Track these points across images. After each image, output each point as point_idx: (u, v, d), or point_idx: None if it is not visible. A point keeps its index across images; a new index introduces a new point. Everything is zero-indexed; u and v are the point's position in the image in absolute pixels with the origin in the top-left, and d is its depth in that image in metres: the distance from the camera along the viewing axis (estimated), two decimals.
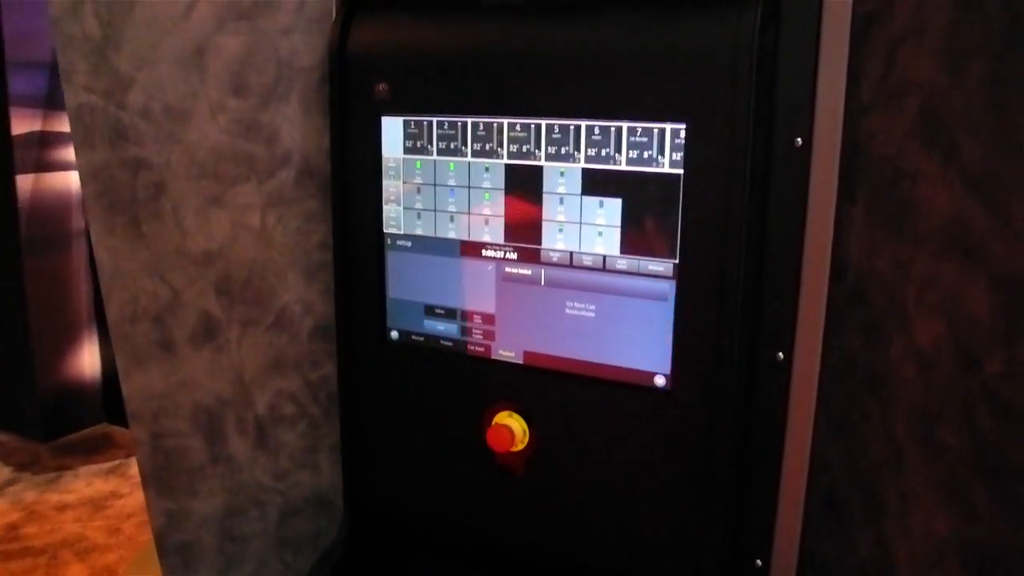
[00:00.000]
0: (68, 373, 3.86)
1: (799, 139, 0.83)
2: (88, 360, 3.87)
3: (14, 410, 3.87)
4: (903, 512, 0.78)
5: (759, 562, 0.94)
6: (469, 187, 0.93)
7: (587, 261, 0.88)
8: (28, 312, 3.73)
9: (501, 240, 0.92)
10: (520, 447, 0.94)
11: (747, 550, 0.95)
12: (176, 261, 1.10)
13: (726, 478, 0.88)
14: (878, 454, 0.81)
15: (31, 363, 3.72)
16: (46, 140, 3.57)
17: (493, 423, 0.94)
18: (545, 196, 0.89)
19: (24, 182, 3.49)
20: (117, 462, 3.73)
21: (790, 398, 0.89)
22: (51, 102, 3.72)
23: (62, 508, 3.15)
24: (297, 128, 1.09)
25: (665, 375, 0.86)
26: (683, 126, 0.80)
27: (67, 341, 3.89)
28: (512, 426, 0.93)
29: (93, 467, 3.50)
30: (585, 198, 0.86)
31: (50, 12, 0.99)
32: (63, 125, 3.55)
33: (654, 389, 0.87)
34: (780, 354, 0.88)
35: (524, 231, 0.91)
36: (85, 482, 3.36)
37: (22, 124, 3.54)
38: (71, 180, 3.81)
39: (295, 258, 1.14)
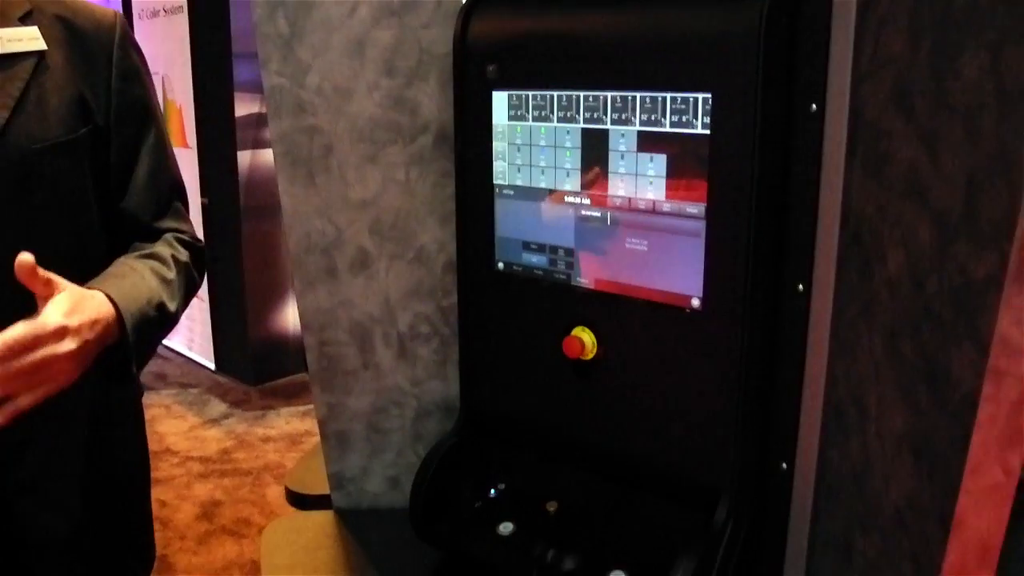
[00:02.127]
0: (274, 327, 4.45)
1: (814, 105, 1.02)
2: (291, 316, 4.44)
3: (231, 357, 4.52)
4: (879, 417, 0.96)
5: (784, 465, 1.14)
6: (555, 147, 1.19)
7: (641, 205, 1.11)
8: (244, 273, 4.33)
9: (578, 188, 1.17)
10: (590, 355, 1.19)
11: (774, 454, 1.15)
12: (340, 206, 1.43)
13: (752, 388, 1.09)
14: (864, 368, 0.99)
15: (245, 317, 4.33)
16: (262, 121, 4.14)
17: (570, 335, 1.20)
18: (610, 153, 1.13)
19: (243, 157, 4.08)
20: (311, 406, 4.31)
21: (809, 323, 1.08)
22: None
23: (265, 440, 3.71)
24: (434, 102, 1.39)
25: (699, 298, 1.08)
26: (709, 95, 1.02)
27: (275, 299, 4.47)
28: (583, 338, 1.18)
29: (292, 409, 4.05)
30: (639, 154, 1.10)
31: (253, 16, 1.34)
32: None
33: (691, 309, 1.09)
34: (800, 286, 1.08)
35: (595, 181, 1.15)
36: (285, 420, 3.92)
37: (243, 107, 4.12)
38: None
39: (432, 206, 1.44)
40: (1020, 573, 1.01)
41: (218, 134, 4.18)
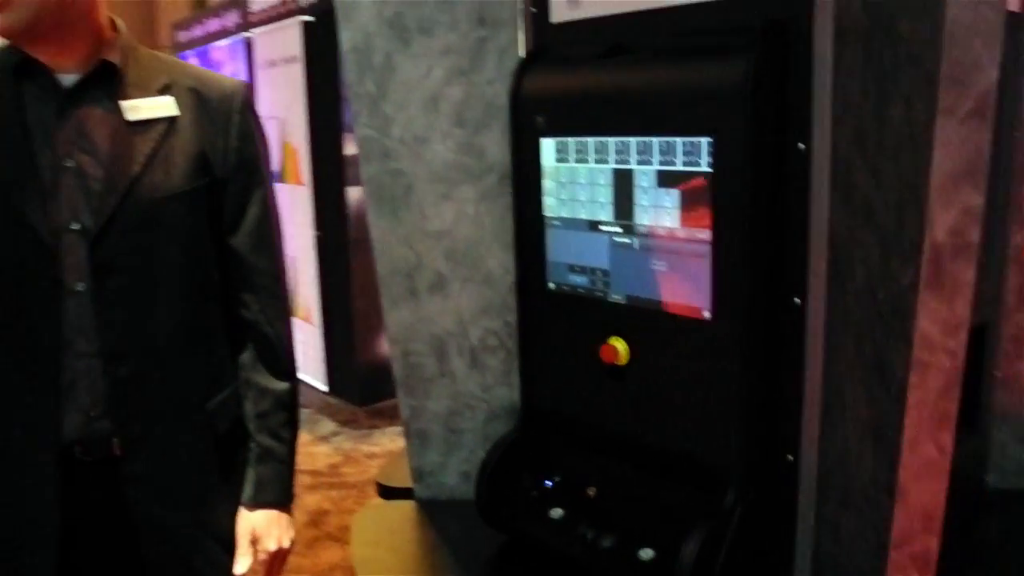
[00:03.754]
0: (381, 352, 4.78)
1: (801, 144, 1.23)
2: None
3: (341, 380, 4.88)
4: (852, 407, 1.16)
5: (791, 457, 1.33)
6: (591, 184, 1.43)
7: (661, 232, 1.34)
8: (353, 301, 4.69)
9: (611, 219, 1.41)
10: (623, 361, 1.42)
11: (781, 448, 1.34)
12: (420, 236, 1.71)
13: (755, 387, 1.29)
14: (842, 368, 1.18)
15: (354, 343, 4.69)
16: None
17: (606, 344, 1.43)
18: (635, 189, 1.36)
19: (352, 193, 4.46)
20: None
21: (806, 332, 1.28)
22: None
23: (370, 456, 4.04)
24: (498, 147, 1.66)
25: (708, 310, 1.30)
26: (710, 139, 1.24)
27: (382, 326, 4.79)
28: (617, 346, 1.41)
29: (395, 428, 4.37)
30: (658, 190, 1.33)
31: (346, 77, 1.64)
32: None
33: (703, 320, 1.31)
34: (796, 299, 1.28)
35: (624, 212, 1.39)
36: (389, 439, 4.24)
37: (352, 147, 4.52)
38: None
39: (497, 235, 1.70)
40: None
41: (329, 172, 4.58)
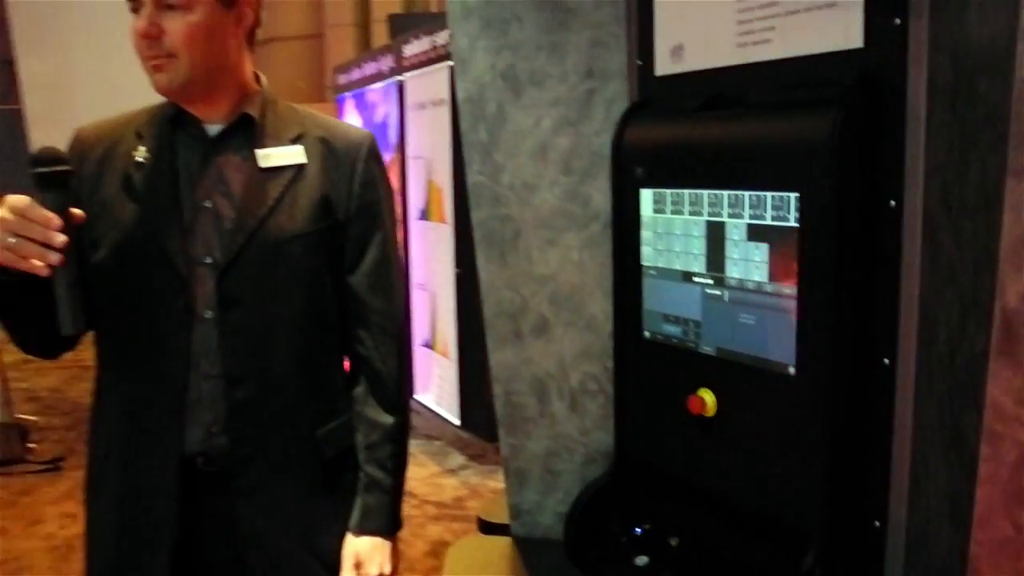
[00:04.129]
0: None
1: (892, 201, 1.22)
2: None
3: (473, 414, 5.01)
4: (934, 476, 1.12)
5: (877, 523, 1.30)
6: (686, 235, 1.46)
7: (750, 285, 1.35)
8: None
9: (703, 271, 1.43)
10: (710, 413, 1.42)
11: (868, 513, 1.30)
12: (525, 280, 1.78)
13: (839, 449, 1.27)
14: (927, 433, 1.15)
15: (487, 379, 4.82)
16: None
17: (695, 394, 1.44)
18: (726, 242, 1.38)
19: None
20: None
21: (895, 394, 1.25)
22: None
23: (495, 492, 4.11)
24: (603, 196, 1.71)
25: (794, 366, 1.29)
26: (797, 194, 1.25)
27: None
28: (705, 398, 1.42)
29: None
30: (748, 243, 1.34)
31: (461, 126, 1.74)
32: None
33: (787, 375, 1.30)
34: (886, 360, 1.25)
35: (716, 264, 1.41)
36: None
37: None
38: None
39: (600, 282, 1.74)
40: None
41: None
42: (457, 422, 4.98)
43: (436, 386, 5.13)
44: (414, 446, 4.76)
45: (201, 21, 1.31)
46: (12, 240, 1.17)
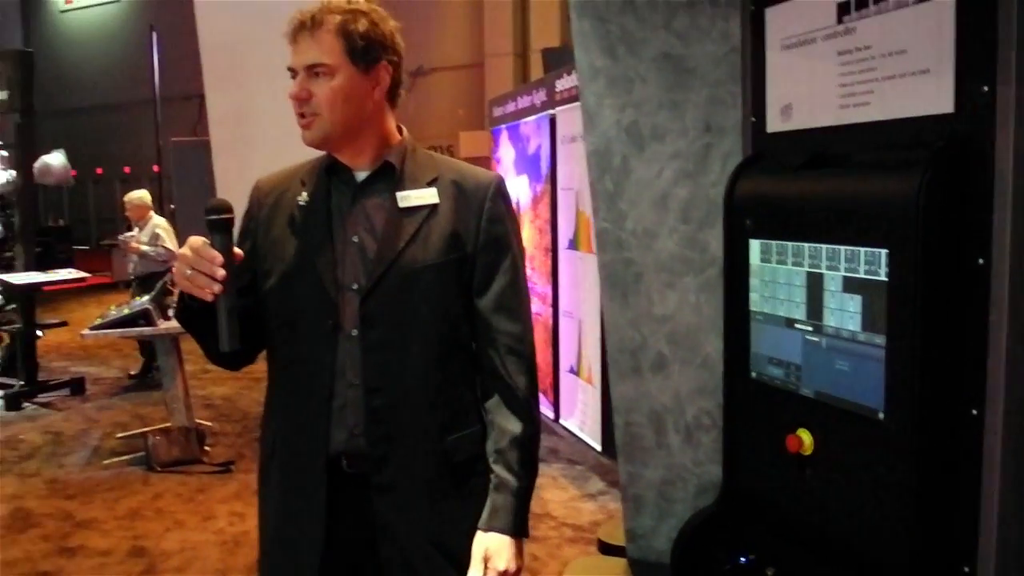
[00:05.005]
0: None
1: (981, 259, 1.31)
2: None
3: (614, 441, 5.12)
4: (1019, 525, 1.20)
5: (967, 568, 1.37)
6: (789, 284, 1.58)
7: (845, 334, 1.46)
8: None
9: (804, 318, 1.55)
10: (808, 452, 1.54)
11: (958, 557, 1.38)
12: (645, 320, 1.94)
13: (926, 492, 1.36)
14: (1014, 484, 1.23)
15: None
16: None
17: (793, 434, 1.56)
18: (824, 292, 1.50)
19: None
20: None
21: (984, 444, 1.33)
22: None
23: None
24: (719, 243, 1.84)
25: (883, 412, 1.39)
26: (887, 250, 1.36)
27: None
28: (803, 437, 1.54)
29: None
30: (843, 294, 1.45)
31: (589, 176, 1.93)
32: None
33: (877, 420, 1.40)
34: (974, 410, 1.33)
35: (815, 312, 1.53)
36: None
37: None
38: None
39: (715, 324, 1.88)
40: None
41: None
42: (598, 447, 5.12)
43: (580, 411, 5.30)
44: (556, 469, 4.94)
45: (341, 86, 1.55)
46: (188, 272, 1.46)
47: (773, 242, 1.61)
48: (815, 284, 1.52)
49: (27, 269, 6.45)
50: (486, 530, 1.62)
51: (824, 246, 1.49)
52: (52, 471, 4.89)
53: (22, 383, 6.30)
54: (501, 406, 1.64)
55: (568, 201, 5.36)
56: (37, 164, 6.63)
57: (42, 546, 3.91)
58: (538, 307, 5.79)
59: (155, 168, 13.11)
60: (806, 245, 1.53)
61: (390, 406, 1.62)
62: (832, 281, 1.48)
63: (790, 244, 1.57)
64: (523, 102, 6.04)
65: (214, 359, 1.71)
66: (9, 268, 6.61)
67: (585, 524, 4.17)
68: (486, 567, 1.59)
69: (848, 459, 1.47)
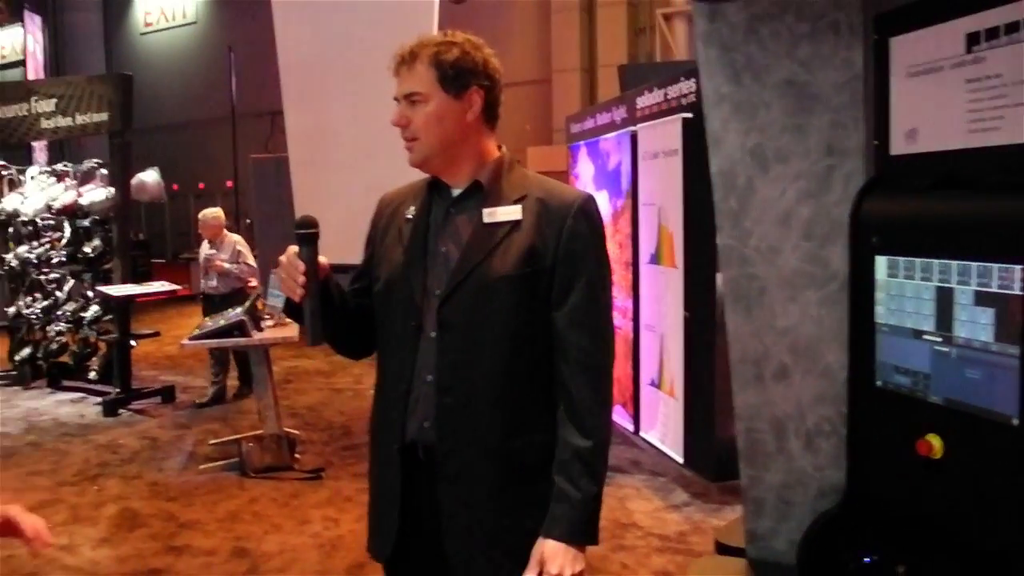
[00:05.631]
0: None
1: None
2: None
3: (697, 454, 5.22)
4: None
5: None
6: (917, 298, 1.70)
7: (976, 345, 1.57)
8: (715, 380, 5.02)
9: (932, 330, 1.67)
10: (937, 456, 1.65)
11: None
12: (768, 331, 2.06)
13: None
14: None
15: (713, 421, 5.02)
16: None
17: (923, 438, 1.67)
18: (955, 306, 1.61)
19: (720, 279, 4.84)
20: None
21: None
22: None
23: (718, 529, 4.32)
24: (840, 260, 1.97)
25: (1017, 417, 1.51)
26: (1021, 266, 1.47)
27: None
28: (932, 442, 1.66)
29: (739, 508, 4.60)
30: (975, 307, 1.57)
31: (714, 196, 2.06)
32: None
33: (1011, 426, 1.52)
34: None
35: (944, 324, 1.64)
36: (736, 515, 4.49)
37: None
38: None
39: (835, 335, 2.00)
40: None
41: (700, 257, 5.00)
42: (680, 460, 5.21)
43: (661, 424, 5.40)
44: (639, 481, 5.06)
45: (434, 111, 1.72)
46: (283, 275, 1.73)
47: (900, 258, 1.73)
48: (945, 297, 1.64)
49: (123, 281, 6.78)
50: (544, 536, 1.69)
51: (955, 262, 1.61)
52: (153, 474, 5.15)
53: (118, 390, 6.63)
54: (566, 419, 1.73)
55: (650, 216, 5.48)
56: (133, 181, 6.96)
57: (151, 544, 4.15)
58: (618, 321, 5.91)
59: (228, 184, 13.56)
60: (936, 262, 1.65)
61: (458, 405, 1.75)
62: (963, 295, 1.60)
63: (918, 260, 1.69)
64: (603, 119, 6.19)
65: (337, 351, 1.94)
66: (107, 280, 6.95)
67: (671, 534, 4.27)
68: (541, 570, 1.67)
69: (980, 462, 1.58)
